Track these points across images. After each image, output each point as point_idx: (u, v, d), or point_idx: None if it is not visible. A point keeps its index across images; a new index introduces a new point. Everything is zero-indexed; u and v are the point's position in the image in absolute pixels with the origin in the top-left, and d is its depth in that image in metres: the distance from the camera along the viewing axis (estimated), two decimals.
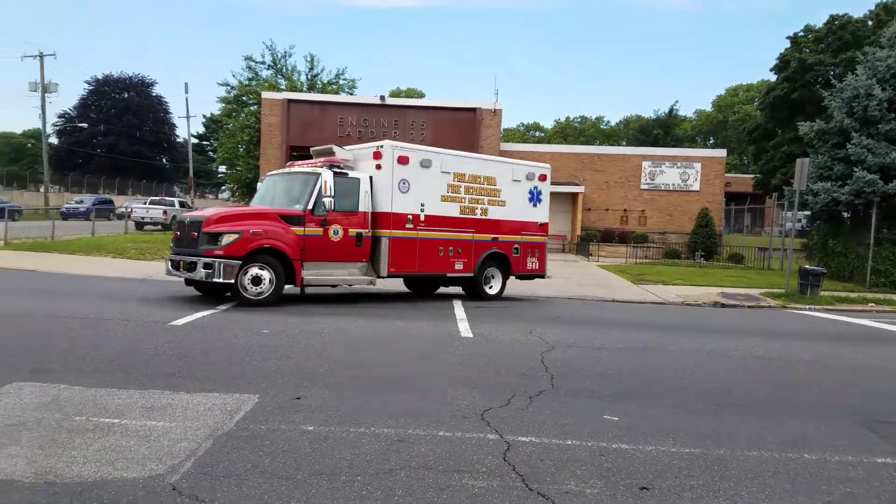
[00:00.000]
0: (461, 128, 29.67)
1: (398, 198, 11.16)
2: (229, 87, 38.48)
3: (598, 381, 6.17)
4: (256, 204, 11.08)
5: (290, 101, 29.11)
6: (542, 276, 13.06)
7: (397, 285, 13.54)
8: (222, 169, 47.57)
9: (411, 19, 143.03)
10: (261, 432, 4.42)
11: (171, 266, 10.42)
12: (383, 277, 11.11)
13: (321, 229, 10.67)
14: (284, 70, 39.01)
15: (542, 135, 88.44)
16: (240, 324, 8.46)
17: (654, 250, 26.76)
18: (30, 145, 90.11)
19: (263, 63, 39.13)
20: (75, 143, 67.35)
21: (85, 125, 58.25)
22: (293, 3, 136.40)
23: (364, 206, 11.01)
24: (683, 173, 31.78)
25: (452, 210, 11.79)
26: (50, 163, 52.50)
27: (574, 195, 31.04)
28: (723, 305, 13.80)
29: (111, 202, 45.76)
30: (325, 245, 10.71)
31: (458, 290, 12.97)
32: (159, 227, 31.19)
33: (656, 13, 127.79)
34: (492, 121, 29.98)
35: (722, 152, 33.22)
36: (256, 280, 10.16)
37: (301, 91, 35.81)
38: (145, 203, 34.53)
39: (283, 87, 36.26)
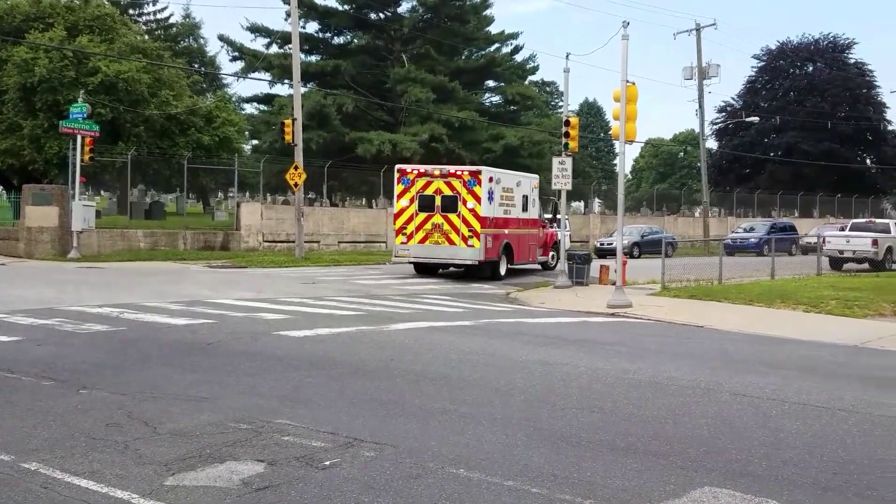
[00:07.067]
0: None
1: None
2: None
3: None
4: None
5: None
6: None
7: None
8: None
9: None
10: None
11: None
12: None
13: None
14: None
15: None
16: None
17: None
18: (682, 154, 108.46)
19: None
20: (739, 147, 75.99)
21: (754, 119, 64.74)
22: None
23: None
24: None
25: None
26: (708, 175, 60.55)
27: None
28: None
29: (793, 228, 49.62)
30: None
31: None
32: (866, 264, 31.55)
33: None
34: None
35: None
36: None
37: None
38: (843, 228, 35.63)
39: None
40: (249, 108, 63.74)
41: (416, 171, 26.73)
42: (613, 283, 21.19)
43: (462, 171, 26.63)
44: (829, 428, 8.17)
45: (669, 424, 8.09)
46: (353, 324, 14.70)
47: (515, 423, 7.94)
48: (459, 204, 25.71)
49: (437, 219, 25.85)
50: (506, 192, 27.50)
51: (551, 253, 30.85)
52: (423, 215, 26.05)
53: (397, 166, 27.64)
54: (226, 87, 67.55)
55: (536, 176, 32.04)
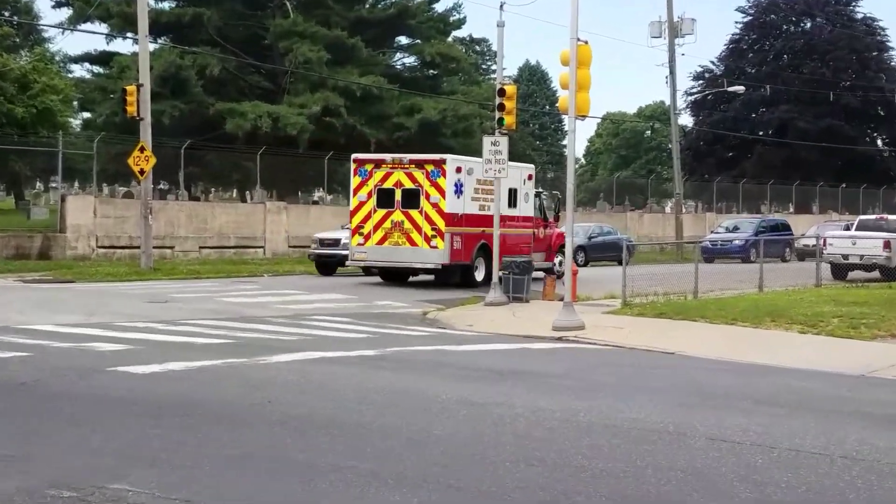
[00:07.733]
0: None
1: None
2: None
3: None
4: None
5: None
6: None
7: None
8: None
9: None
10: None
11: None
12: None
13: None
14: None
15: None
16: None
17: None
18: (649, 132, 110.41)
19: None
20: (720, 123, 77.51)
21: (739, 89, 65.93)
22: None
23: None
24: None
25: None
26: (682, 160, 61.61)
27: None
28: None
29: (786, 227, 50.92)
30: None
31: None
32: (876, 272, 32.46)
33: None
34: None
35: None
36: None
37: None
38: (849, 228, 36.62)
39: None
40: (79, 71, 62.80)
41: (373, 161, 30.14)
42: (561, 299, 21.46)
43: (426, 160, 29.78)
44: (827, 480, 8.39)
45: (629, 479, 8.20)
46: (218, 355, 14.55)
47: (431, 481, 7.96)
48: (422, 198, 28.76)
49: (398, 216, 28.87)
50: (482, 184, 29.40)
51: (558, 258, 32.87)
52: (381, 212, 29.09)
53: (353, 156, 31.06)
54: (47, 42, 66.21)
55: (531, 166, 34.43)
